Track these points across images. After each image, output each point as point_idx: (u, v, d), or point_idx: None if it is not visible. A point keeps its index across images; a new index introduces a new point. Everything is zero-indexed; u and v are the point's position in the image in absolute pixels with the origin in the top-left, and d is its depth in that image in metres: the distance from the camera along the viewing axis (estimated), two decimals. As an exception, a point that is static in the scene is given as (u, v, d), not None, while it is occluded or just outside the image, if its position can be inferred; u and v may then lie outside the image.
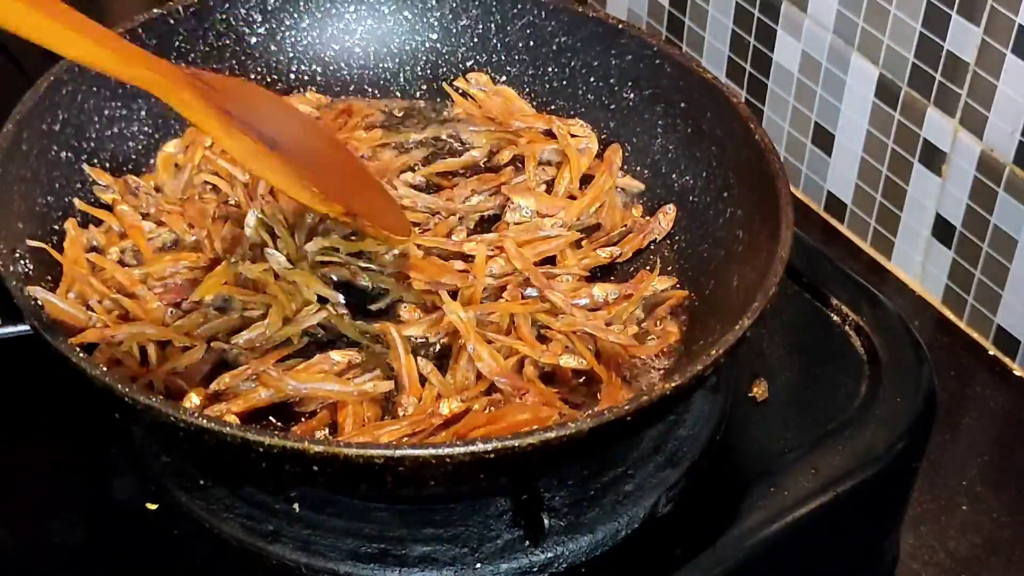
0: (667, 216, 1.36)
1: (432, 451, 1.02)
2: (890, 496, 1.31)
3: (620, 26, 1.39)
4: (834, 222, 1.54)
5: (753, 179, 1.27)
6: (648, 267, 1.33)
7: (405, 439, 1.15)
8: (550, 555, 1.16)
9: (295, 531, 1.15)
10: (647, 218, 1.37)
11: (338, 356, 1.21)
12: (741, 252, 1.26)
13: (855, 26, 1.44)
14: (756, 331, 1.16)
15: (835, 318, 1.34)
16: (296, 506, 1.15)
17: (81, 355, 1.08)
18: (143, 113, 1.38)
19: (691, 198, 1.36)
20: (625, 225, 1.37)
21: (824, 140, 1.50)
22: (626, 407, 1.06)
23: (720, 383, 1.27)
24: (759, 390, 1.29)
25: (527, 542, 1.15)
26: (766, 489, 1.22)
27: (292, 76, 1.46)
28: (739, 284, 1.23)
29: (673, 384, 1.08)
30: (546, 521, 1.14)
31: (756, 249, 1.23)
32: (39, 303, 1.19)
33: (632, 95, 1.41)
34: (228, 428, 1.03)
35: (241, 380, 1.19)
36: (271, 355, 1.21)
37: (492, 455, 1.03)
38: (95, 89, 1.33)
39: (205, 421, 1.03)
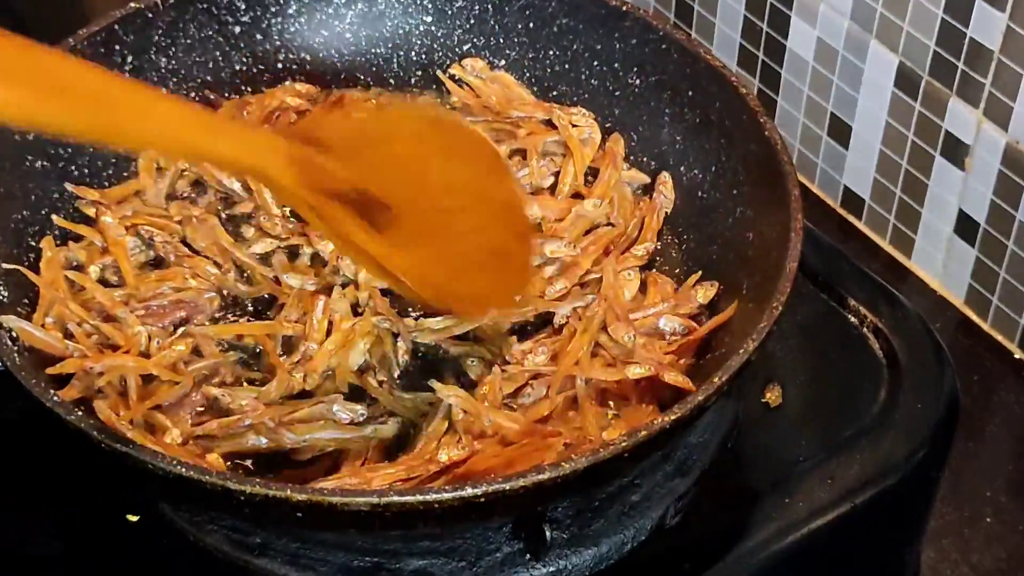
0: (666, 185, 1.36)
1: (419, 497, 1.02)
2: (910, 507, 1.30)
3: (624, 8, 1.38)
4: (851, 218, 1.52)
5: (763, 177, 1.26)
6: (654, 268, 1.33)
7: (399, 483, 1.14)
8: (552, 569, 1.15)
9: (283, 544, 1.15)
10: (649, 198, 1.37)
11: (343, 413, 1.20)
12: (751, 256, 1.25)
13: (873, 12, 1.42)
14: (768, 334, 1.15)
15: (852, 319, 1.33)
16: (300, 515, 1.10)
17: (55, 397, 1.09)
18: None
19: (700, 193, 1.35)
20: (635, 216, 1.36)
21: (841, 132, 1.48)
22: (623, 443, 1.05)
23: (731, 388, 1.19)
24: (772, 395, 1.29)
25: (528, 555, 1.14)
26: (780, 500, 1.21)
27: (279, 66, 1.45)
28: (748, 292, 1.23)
29: (672, 417, 1.08)
30: (548, 533, 1.13)
31: (765, 253, 1.22)
32: (13, 333, 1.18)
33: (638, 81, 1.39)
34: (207, 476, 1.04)
35: (232, 428, 1.19)
36: (270, 410, 1.20)
37: (482, 499, 1.03)
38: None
39: (184, 469, 1.03)
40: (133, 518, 1.18)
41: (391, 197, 1.14)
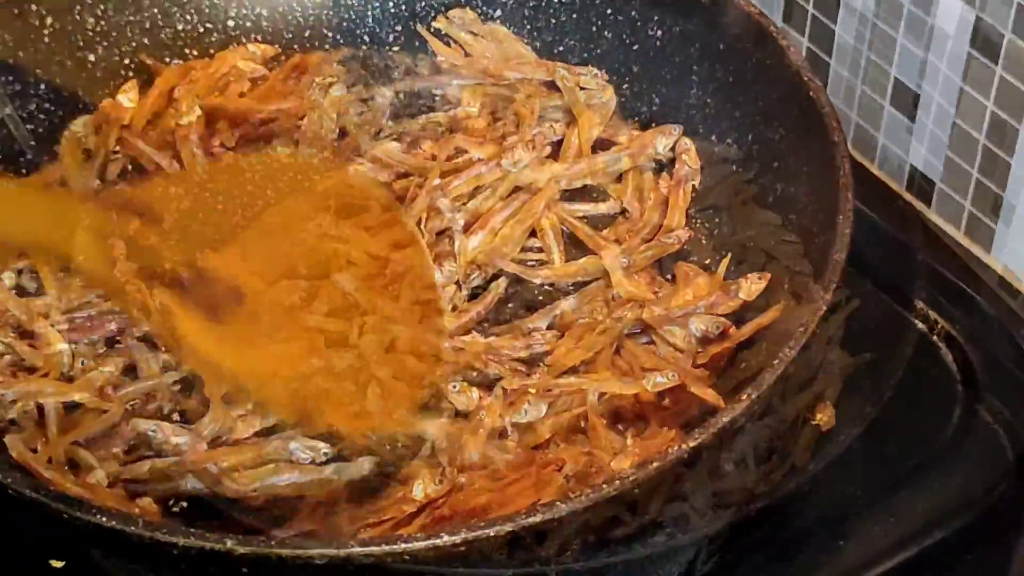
0: (689, 152, 1.31)
1: (386, 547, 0.99)
2: (990, 552, 1.21)
3: (640, -57, 1.33)
4: (919, 205, 1.41)
5: (808, 148, 1.22)
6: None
7: (368, 528, 1.11)
8: (561, 625, 1.10)
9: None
10: (671, 170, 1.32)
11: (303, 452, 1.15)
12: (793, 244, 1.22)
13: (945, -44, 1.36)
14: (818, 340, 1.16)
15: (921, 325, 1.29)
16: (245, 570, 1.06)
17: None
18: (43, 87, 1.32)
19: (734, 168, 1.31)
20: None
21: (906, 101, 1.38)
22: (632, 475, 1.02)
23: (773, 406, 1.20)
24: (824, 416, 1.22)
25: (533, 610, 1.10)
26: (832, 542, 1.16)
27: (231, 23, 1.40)
28: (790, 287, 1.19)
29: (692, 443, 1.03)
30: (556, 583, 1.10)
31: (810, 241, 1.19)
32: None
33: (659, 33, 1.35)
34: (135, 527, 1.00)
35: (166, 471, 1.15)
36: (212, 452, 1.14)
37: (462, 547, 1.00)
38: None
39: (106, 519, 1.00)
40: (57, 564, 1.11)
41: (246, 283, 1.12)
